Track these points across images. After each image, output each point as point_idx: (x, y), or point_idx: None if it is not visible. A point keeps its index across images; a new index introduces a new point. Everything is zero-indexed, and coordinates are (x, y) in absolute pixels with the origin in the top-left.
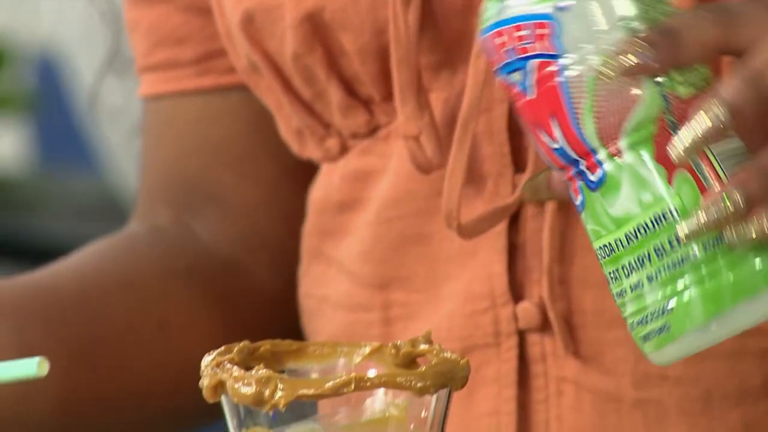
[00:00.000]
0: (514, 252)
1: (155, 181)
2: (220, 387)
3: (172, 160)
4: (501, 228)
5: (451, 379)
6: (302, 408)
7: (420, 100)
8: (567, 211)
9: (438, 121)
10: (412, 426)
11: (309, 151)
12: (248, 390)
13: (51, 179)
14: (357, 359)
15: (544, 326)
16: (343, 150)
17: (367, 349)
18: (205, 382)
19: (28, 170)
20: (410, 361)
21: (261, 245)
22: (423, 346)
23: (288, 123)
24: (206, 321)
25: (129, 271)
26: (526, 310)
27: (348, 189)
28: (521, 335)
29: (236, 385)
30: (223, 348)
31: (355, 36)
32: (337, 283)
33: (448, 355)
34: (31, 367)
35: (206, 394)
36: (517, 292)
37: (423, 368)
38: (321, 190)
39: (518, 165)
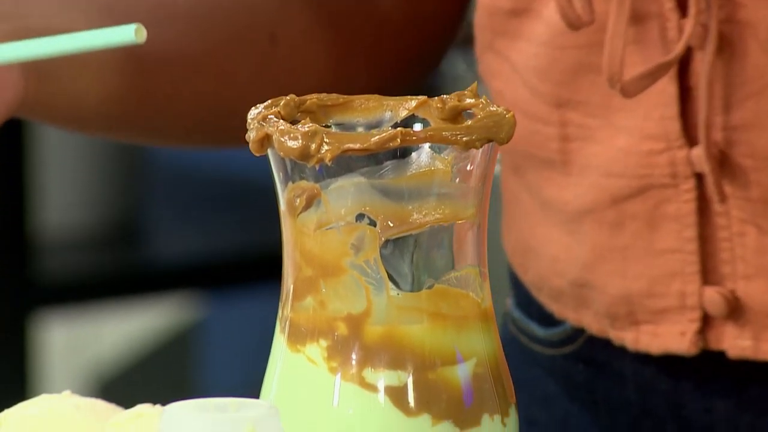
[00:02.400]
0: (687, 95)
1: None
2: (266, 141)
3: None
4: (672, 72)
5: (496, 134)
6: (348, 162)
7: None
8: (731, 56)
9: None
10: (457, 180)
11: None
12: (294, 144)
13: None
14: (403, 113)
15: (722, 170)
16: None
17: (413, 103)
18: (251, 136)
19: None
20: (456, 115)
21: None
22: (469, 100)
23: None
24: (320, 40)
25: None
26: (699, 156)
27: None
28: (699, 175)
29: (282, 139)
30: (269, 101)
31: None
32: (514, 86)
33: (494, 108)
34: (129, 34)
35: (253, 148)
36: (691, 135)
37: (469, 122)
38: None
39: (683, 9)
